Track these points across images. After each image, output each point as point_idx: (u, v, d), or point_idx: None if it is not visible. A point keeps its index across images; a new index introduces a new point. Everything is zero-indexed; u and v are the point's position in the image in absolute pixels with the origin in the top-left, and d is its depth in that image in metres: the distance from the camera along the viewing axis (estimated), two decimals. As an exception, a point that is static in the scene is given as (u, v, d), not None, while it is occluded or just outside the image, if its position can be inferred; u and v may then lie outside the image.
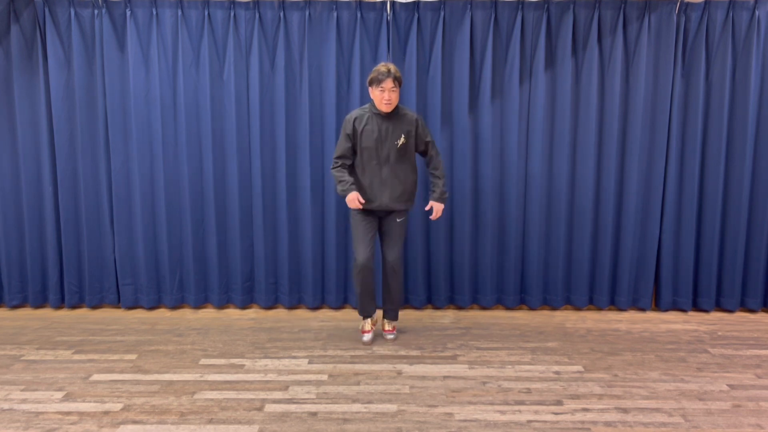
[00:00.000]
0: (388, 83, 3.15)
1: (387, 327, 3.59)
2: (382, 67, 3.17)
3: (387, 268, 3.42)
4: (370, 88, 3.25)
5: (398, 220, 3.40)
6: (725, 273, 4.10)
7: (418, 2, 3.84)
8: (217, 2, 3.85)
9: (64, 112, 3.91)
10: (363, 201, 3.25)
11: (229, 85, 3.90)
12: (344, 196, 3.27)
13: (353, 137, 3.31)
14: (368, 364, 3.18)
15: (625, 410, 2.65)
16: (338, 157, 3.34)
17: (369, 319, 3.53)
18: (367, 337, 3.48)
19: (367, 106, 3.35)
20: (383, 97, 3.18)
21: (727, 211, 4.04)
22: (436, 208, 3.41)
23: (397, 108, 3.28)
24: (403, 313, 4.03)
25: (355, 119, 3.30)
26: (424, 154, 3.45)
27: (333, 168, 3.36)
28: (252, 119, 3.95)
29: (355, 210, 3.35)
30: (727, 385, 2.92)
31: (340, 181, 3.29)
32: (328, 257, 4.09)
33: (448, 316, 4.02)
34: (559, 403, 2.72)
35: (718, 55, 3.89)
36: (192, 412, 2.62)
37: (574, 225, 4.07)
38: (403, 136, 3.27)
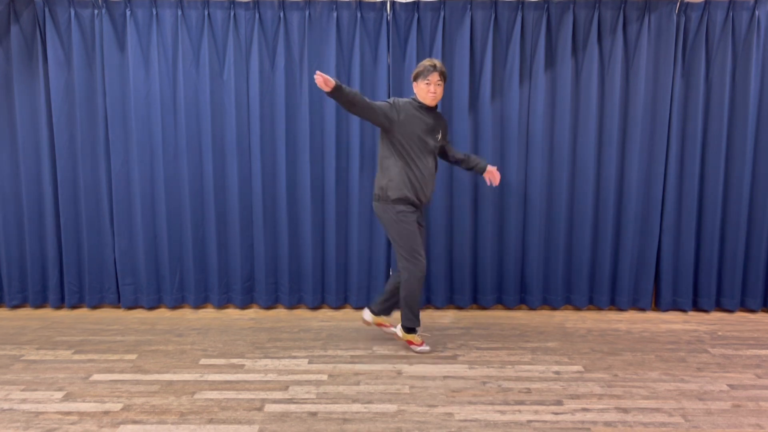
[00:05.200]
0: (435, 77, 3.16)
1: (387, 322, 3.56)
2: (428, 62, 3.18)
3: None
4: (414, 83, 3.23)
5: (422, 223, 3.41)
6: (725, 273, 4.10)
7: (418, 2, 3.84)
8: (217, 2, 3.85)
9: (64, 112, 3.91)
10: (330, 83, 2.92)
11: (229, 85, 3.90)
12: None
13: (396, 117, 3.12)
14: (368, 364, 3.18)
15: (625, 410, 2.65)
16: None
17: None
18: (425, 347, 3.35)
19: (408, 99, 3.25)
20: (429, 89, 3.17)
21: (727, 211, 4.04)
22: (494, 171, 3.47)
23: (436, 106, 3.32)
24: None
25: (399, 104, 3.16)
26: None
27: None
28: (252, 119, 3.95)
29: (404, 213, 3.15)
30: (727, 385, 2.92)
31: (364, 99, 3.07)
32: (328, 257, 4.09)
33: (448, 316, 4.02)
34: (559, 403, 2.72)
35: (718, 55, 3.89)
36: (192, 412, 2.62)
37: (574, 225, 4.07)
38: (440, 132, 3.34)
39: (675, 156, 3.96)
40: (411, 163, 3.17)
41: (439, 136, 3.32)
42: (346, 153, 3.99)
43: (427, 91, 3.19)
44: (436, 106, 3.30)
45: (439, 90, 3.21)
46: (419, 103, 3.24)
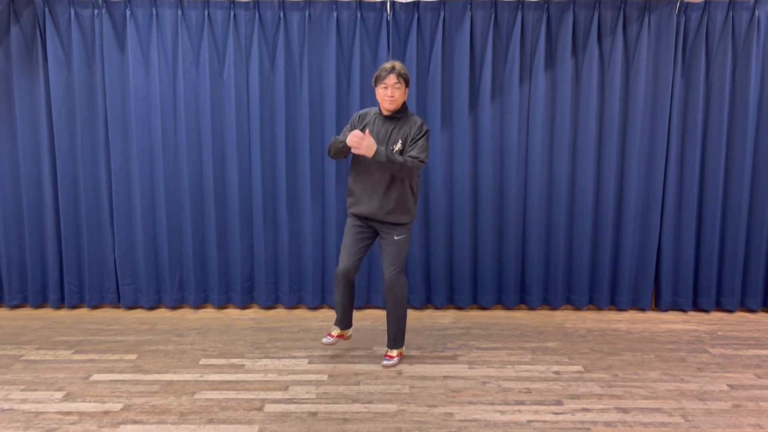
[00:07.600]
0: (391, 79, 2.97)
1: (387, 351, 3.25)
2: (387, 64, 3.03)
3: (384, 286, 3.13)
4: (375, 88, 3.10)
5: (396, 238, 3.08)
6: (725, 273, 4.10)
7: (418, 2, 3.84)
8: (217, 2, 3.85)
9: (64, 112, 3.91)
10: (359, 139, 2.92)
11: (229, 85, 3.90)
12: (345, 142, 3.00)
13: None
14: (368, 364, 3.18)
15: (625, 410, 2.65)
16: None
17: (338, 328, 3.31)
18: (326, 339, 3.25)
19: (376, 107, 3.20)
20: (386, 93, 3.00)
21: (727, 211, 4.04)
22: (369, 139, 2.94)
23: (403, 111, 3.09)
24: (403, 313, 4.03)
25: (360, 115, 3.19)
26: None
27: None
28: (252, 119, 3.95)
29: (349, 217, 3.20)
30: (727, 385, 2.92)
31: (336, 140, 3.10)
32: (328, 257, 4.09)
33: (448, 316, 4.02)
34: (559, 403, 2.72)
35: (718, 55, 3.89)
36: (192, 412, 2.62)
37: (574, 225, 4.07)
38: (400, 141, 3.05)
39: (675, 156, 3.96)
40: (356, 175, 3.12)
41: (397, 146, 3.03)
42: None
43: (384, 95, 3.01)
44: (403, 111, 3.09)
45: (398, 93, 3.01)
46: (379, 110, 3.13)
